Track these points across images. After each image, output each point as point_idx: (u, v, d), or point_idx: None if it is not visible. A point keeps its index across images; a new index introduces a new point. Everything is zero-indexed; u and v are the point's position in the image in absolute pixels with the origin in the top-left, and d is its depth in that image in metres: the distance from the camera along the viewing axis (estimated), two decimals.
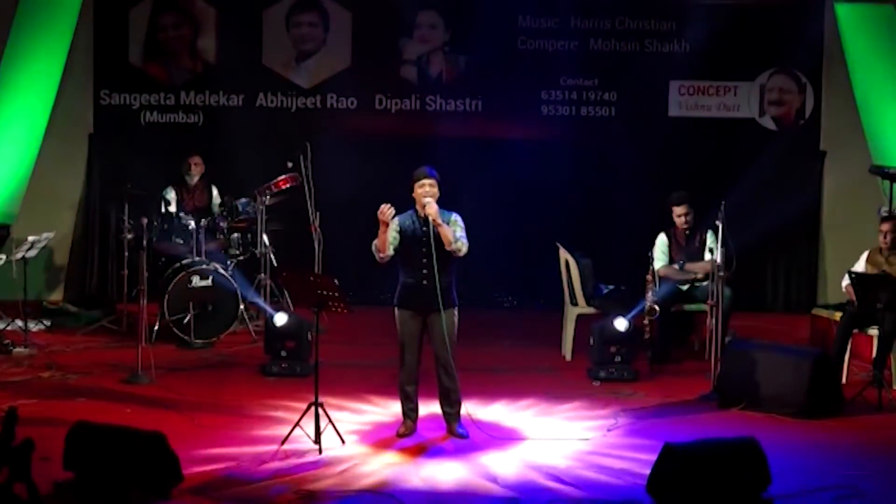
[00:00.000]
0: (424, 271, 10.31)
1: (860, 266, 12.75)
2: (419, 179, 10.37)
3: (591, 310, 13.42)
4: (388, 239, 10.26)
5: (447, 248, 10.29)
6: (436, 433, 10.76)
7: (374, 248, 10.35)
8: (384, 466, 10.06)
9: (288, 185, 13.93)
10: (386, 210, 10.22)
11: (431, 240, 10.26)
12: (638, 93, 15.88)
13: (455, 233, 10.32)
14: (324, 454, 10.21)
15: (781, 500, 9.30)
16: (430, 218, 10.25)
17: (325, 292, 10.55)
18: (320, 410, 10.36)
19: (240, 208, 14.26)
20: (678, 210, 13.30)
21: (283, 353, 12.69)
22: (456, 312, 10.55)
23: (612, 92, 15.90)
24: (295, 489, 9.54)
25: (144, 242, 13.11)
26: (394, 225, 10.38)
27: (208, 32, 15.95)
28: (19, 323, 13.76)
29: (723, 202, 12.27)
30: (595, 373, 12.70)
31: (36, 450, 9.40)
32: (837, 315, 12.98)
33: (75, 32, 15.65)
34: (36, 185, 15.60)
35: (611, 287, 13.59)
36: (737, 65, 15.80)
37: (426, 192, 10.32)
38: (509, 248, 14.66)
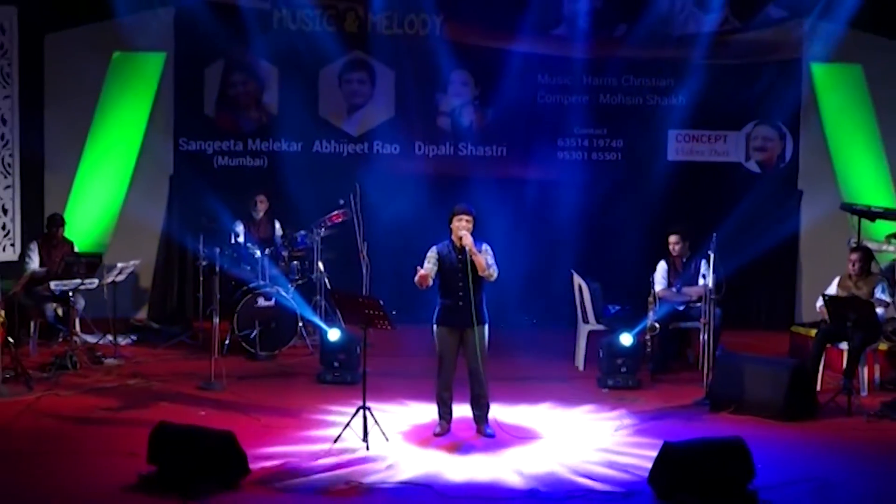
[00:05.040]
0: (461, 293, 10.35)
1: (832, 289, 12.73)
2: (457, 214, 10.44)
3: (600, 327, 13.42)
4: (429, 273, 10.34)
5: (480, 274, 10.36)
6: (467, 433, 10.78)
7: (417, 282, 10.37)
8: (423, 461, 10.10)
9: (340, 220, 13.94)
10: (426, 273, 10.32)
11: (468, 266, 10.34)
12: (641, 140, 15.85)
13: (487, 260, 10.41)
14: (370, 451, 10.27)
15: (764, 491, 9.28)
16: (467, 248, 10.34)
17: (371, 312, 10.59)
18: (367, 413, 10.46)
19: (298, 239, 14.30)
20: (672, 239, 13.32)
21: (336, 364, 12.74)
22: (487, 329, 10.61)
23: (619, 139, 15.88)
24: (346, 481, 9.57)
25: (217, 269, 13.17)
26: (432, 254, 10.47)
27: (272, 88, 15.98)
28: (110, 338, 13.81)
29: (714, 234, 12.34)
30: (604, 381, 12.69)
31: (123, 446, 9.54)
32: (812, 332, 12.98)
33: (158, 89, 15.70)
34: (124, 220, 15.65)
35: (617, 308, 13.60)
36: (726, 117, 15.75)
37: (463, 226, 10.39)
38: (531, 274, 14.62)
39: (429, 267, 10.43)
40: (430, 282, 10.43)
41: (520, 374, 12.89)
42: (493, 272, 10.42)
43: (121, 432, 10.67)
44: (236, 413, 11.27)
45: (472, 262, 10.33)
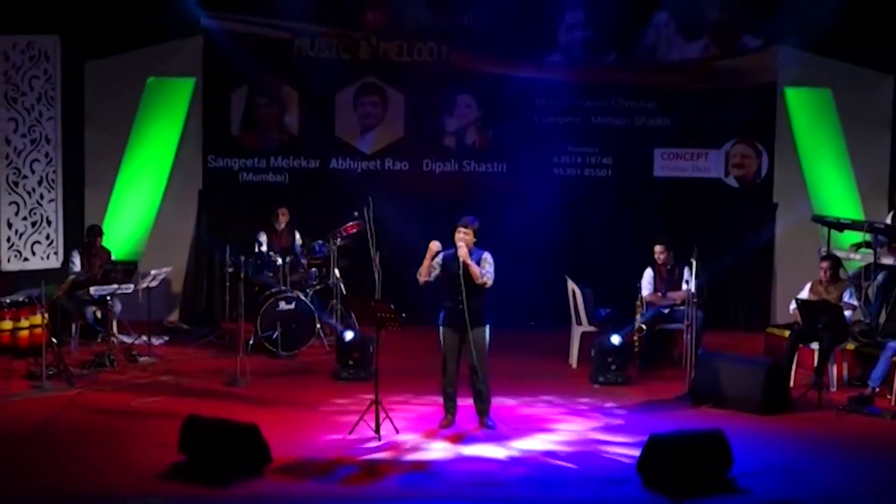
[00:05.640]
0: (460, 297, 10.35)
1: (804, 294, 12.72)
2: (458, 227, 10.47)
3: (592, 329, 13.41)
4: (430, 267, 10.40)
5: (476, 282, 10.38)
6: (470, 425, 10.78)
7: (418, 274, 10.46)
8: (430, 451, 10.12)
9: (354, 231, 13.94)
10: (433, 245, 10.39)
11: (461, 274, 10.35)
12: (629, 158, 15.79)
13: (483, 269, 10.41)
14: (382, 440, 10.29)
15: (742, 478, 9.33)
16: (461, 258, 10.36)
17: (382, 314, 10.61)
18: (379, 407, 10.47)
19: (317, 248, 14.30)
20: (657, 249, 13.30)
21: (350, 362, 12.73)
22: (488, 330, 10.59)
23: (609, 157, 15.81)
24: (360, 468, 9.63)
25: (242, 275, 13.15)
26: (438, 258, 10.48)
27: (292, 110, 15.96)
28: (144, 338, 13.82)
29: (696, 244, 12.33)
30: (595, 378, 12.69)
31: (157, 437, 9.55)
32: (786, 333, 12.97)
33: (188, 111, 15.69)
34: (158, 230, 15.65)
35: (608, 311, 13.56)
36: (707, 136, 15.69)
37: (460, 238, 10.41)
38: (529, 280, 14.58)
39: (435, 262, 10.47)
40: (431, 277, 10.48)
41: (519, 371, 12.88)
42: (488, 280, 10.44)
43: (154, 424, 10.69)
44: (260, 407, 11.26)
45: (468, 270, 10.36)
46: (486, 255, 10.51)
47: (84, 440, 10.32)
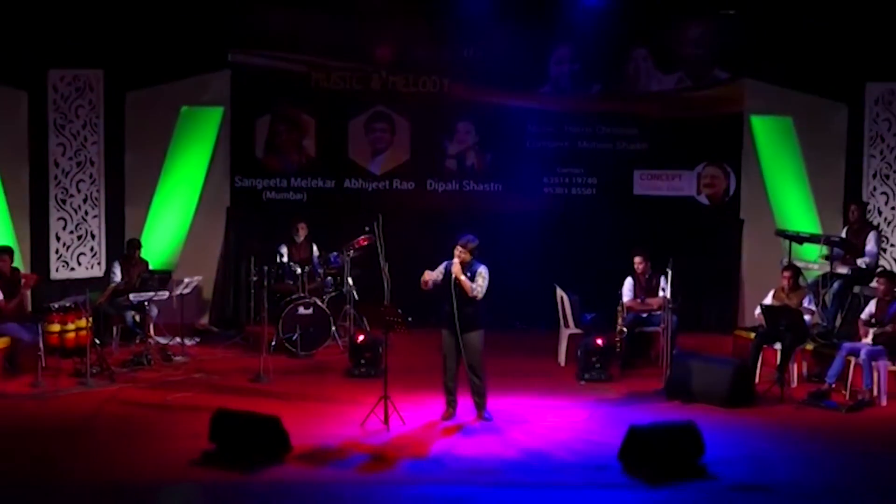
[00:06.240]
0: (455, 305, 10.44)
1: (768, 300, 12.75)
2: (458, 244, 10.55)
3: (578, 331, 13.43)
4: (430, 279, 10.49)
5: (469, 295, 10.44)
6: (469, 417, 10.84)
7: (422, 280, 10.52)
8: (433, 440, 10.17)
9: (366, 244, 13.89)
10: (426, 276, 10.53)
11: (453, 285, 10.44)
12: (611, 178, 15.74)
13: (476, 283, 10.47)
14: (390, 431, 10.34)
15: (712, 465, 9.37)
16: (453, 273, 10.42)
17: (391, 318, 10.67)
18: (388, 401, 10.52)
19: (332, 259, 14.28)
20: (636, 259, 13.31)
21: (362, 361, 12.77)
22: (482, 333, 10.63)
23: (594, 178, 15.77)
24: (371, 456, 9.67)
25: (265, 283, 13.21)
26: (441, 267, 10.57)
27: (310, 136, 15.91)
28: (178, 339, 13.83)
29: (671, 256, 12.38)
30: (581, 375, 12.72)
31: (189, 428, 9.57)
32: (752, 335, 12.96)
33: (217, 136, 15.65)
34: (190, 243, 15.63)
35: (592, 315, 13.58)
36: (681, 159, 15.67)
37: (456, 254, 10.49)
38: (521, 288, 14.59)
39: (435, 273, 10.54)
40: (430, 286, 10.53)
41: (512, 369, 12.87)
42: (479, 293, 10.50)
43: (186, 417, 10.73)
44: (281, 401, 11.31)
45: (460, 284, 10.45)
46: (482, 270, 10.55)
47: (124, 431, 10.37)
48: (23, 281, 13.08)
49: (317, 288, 14.21)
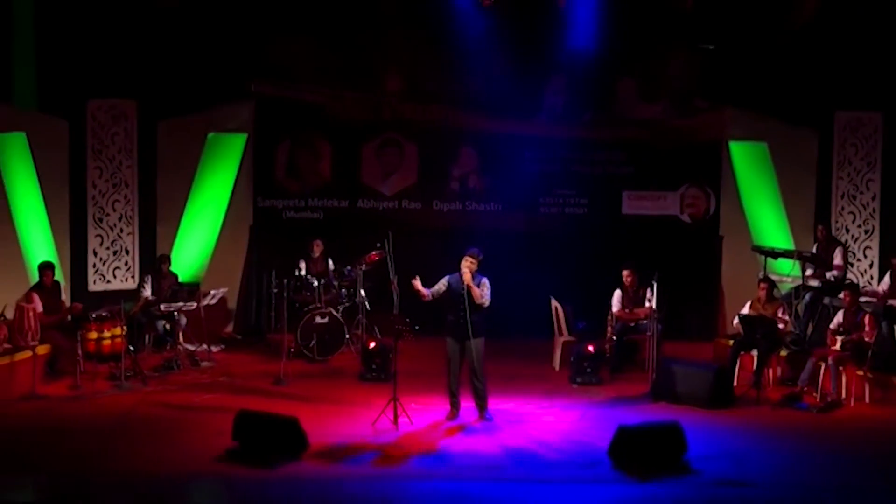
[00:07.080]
0: (461, 313, 10.45)
1: (745, 310, 12.73)
2: (464, 256, 10.59)
3: (571, 338, 13.42)
4: (425, 293, 10.53)
5: (476, 301, 10.43)
6: (471, 417, 10.82)
7: (415, 289, 10.55)
8: (438, 438, 10.15)
9: (377, 259, 13.88)
10: (416, 283, 10.54)
11: (467, 294, 10.43)
12: (601, 199, 15.72)
13: (482, 292, 10.49)
14: (399, 430, 10.33)
15: (695, 461, 9.36)
16: (465, 282, 10.41)
17: (399, 327, 10.67)
18: (397, 403, 10.49)
19: (346, 273, 14.28)
20: (625, 273, 13.30)
21: (374, 366, 12.74)
22: (483, 340, 10.63)
23: (585, 198, 15.75)
24: (381, 453, 9.66)
25: (285, 295, 13.26)
26: (444, 280, 10.60)
27: (326, 160, 15.90)
28: (205, 346, 13.82)
29: (656, 269, 12.37)
30: (574, 379, 12.69)
31: (214, 427, 9.52)
32: (731, 342, 12.94)
33: (241, 160, 15.66)
34: (216, 258, 15.59)
35: (584, 323, 13.57)
36: (665, 181, 15.65)
37: (466, 266, 10.51)
38: (519, 299, 14.57)
39: (435, 288, 10.59)
40: (428, 297, 10.56)
41: (511, 373, 12.88)
42: (486, 301, 10.53)
43: (212, 417, 10.72)
44: (299, 402, 11.30)
45: (471, 292, 10.42)
46: (485, 281, 10.58)
47: (154, 429, 10.38)
48: (68, 306, 13.16)
49: (332, 299, 14.19)
